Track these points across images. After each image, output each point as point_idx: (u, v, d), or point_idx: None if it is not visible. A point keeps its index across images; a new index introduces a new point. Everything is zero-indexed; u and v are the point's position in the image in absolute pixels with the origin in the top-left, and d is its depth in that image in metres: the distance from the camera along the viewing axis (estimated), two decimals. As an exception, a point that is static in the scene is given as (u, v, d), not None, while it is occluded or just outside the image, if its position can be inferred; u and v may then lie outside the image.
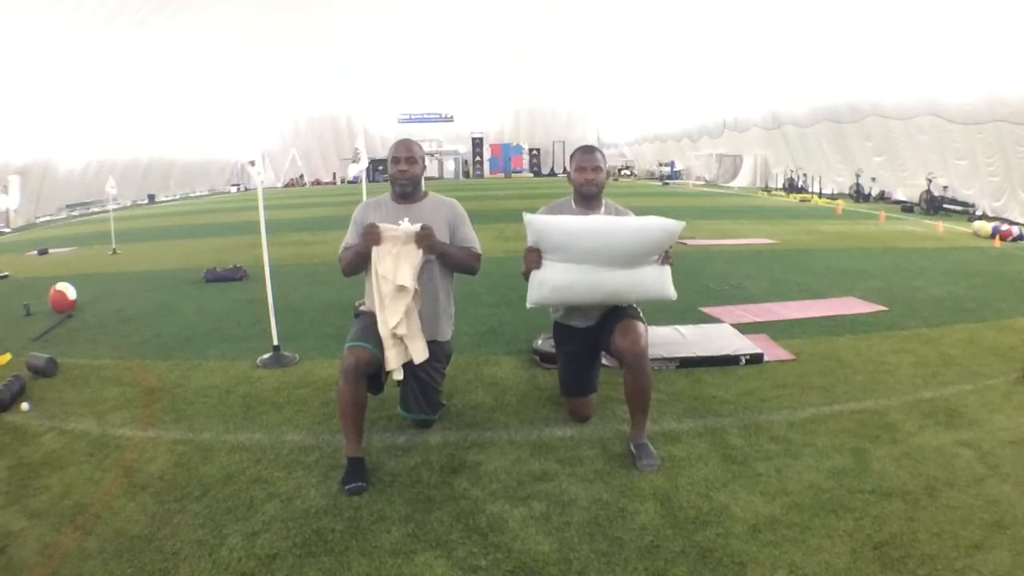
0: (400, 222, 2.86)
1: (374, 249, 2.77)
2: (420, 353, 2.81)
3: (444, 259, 2.94)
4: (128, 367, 4.19)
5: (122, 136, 21.94)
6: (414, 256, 2.77)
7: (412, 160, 2.95)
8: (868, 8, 14.58)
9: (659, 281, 2.88)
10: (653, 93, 29.84)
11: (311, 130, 37.02)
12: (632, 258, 2.81)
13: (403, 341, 2.78)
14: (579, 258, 2.79)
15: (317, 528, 2.30)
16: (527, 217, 2.86)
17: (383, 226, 2.78)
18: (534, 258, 2.85)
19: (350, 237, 2.98)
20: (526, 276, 2.93)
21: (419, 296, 2.81)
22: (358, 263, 2.89)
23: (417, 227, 2.79)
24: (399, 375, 2.84)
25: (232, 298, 6.26)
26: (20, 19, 14.83)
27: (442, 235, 2.91)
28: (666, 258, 2.88)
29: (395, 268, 2.75)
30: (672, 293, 2.92)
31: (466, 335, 4.65)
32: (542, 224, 2.82)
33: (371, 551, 2.17)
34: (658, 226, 2.78)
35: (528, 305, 2.92)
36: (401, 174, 2.94)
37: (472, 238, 3.04)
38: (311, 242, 10.27)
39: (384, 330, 2.75)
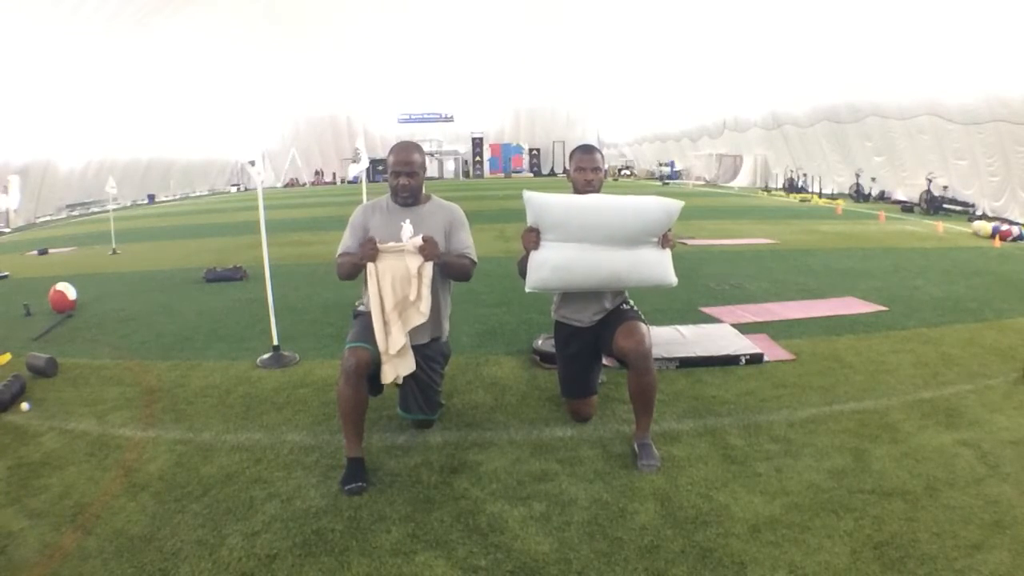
0: (402, 224, 2.83)
1: (372, 265, 2.71)
2: (407, 367, 2.80)
3: (441, 267, 2.91)
4: (128, 367, 4.19)
5: (122, 136, 21.95)
6: (421, 269, 2.71)
7: (412, 173, 2.90)
8: (868, 8, 14.58)
9: (659, 264, 2.85)
10: (653, 93, 29.82)
11: (311, 130, 37.02)
12: (631, 237, 2.80)
13: (395, 356, 2.75)
14: (579, 236, 2.78)
15: (317, 528, 2.30)
16: (527, 194, 2.83)
17: (383, 246, 2.72)
18: (532, 238, 2.82)
19: (348, 241, 2.92)
20: (522, 267, 2.88)
21: (425, 309, 2.75)
22: (354, 272, 2.84)
23: (419, 240, 2.72)
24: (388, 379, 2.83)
25: (232, 298, 6.26)
26: (20, 19, 14.82)
27: (439, 239, 2.87)
28: (666, 241, 2.85)
29: (402, 285, 2.71)
30: (672, 278, 2.88)
31: (466, 335, 4.65)
32: (542, 201, 2.80)
33: (371, 551, 2.17)
34: (657, 206, 2.79)
35: (527, 289, 2.87)
36: (402, 188, 2.90)
37: (468, 243, 2.98)
38: (311, 242, 10.28)
39: (382, 346, 2.72)
